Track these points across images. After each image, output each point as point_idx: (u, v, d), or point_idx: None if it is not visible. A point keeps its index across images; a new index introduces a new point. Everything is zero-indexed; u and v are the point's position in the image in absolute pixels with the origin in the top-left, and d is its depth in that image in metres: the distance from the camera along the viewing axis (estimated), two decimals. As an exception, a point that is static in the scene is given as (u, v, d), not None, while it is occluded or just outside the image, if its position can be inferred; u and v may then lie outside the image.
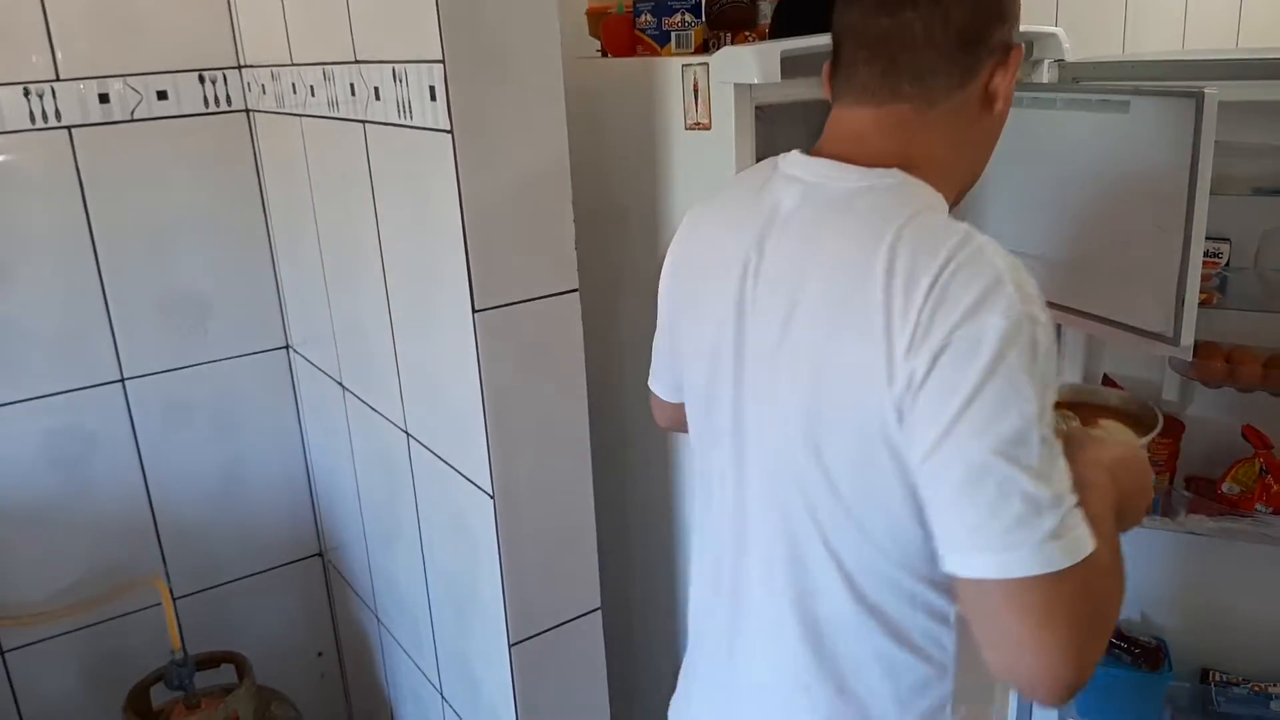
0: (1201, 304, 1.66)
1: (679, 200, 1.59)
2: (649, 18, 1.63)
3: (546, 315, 1.49)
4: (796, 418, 0.89)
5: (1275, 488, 1.67)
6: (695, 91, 1.48)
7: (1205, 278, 1.68)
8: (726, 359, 0.99)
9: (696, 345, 1.05)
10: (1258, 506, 1.69)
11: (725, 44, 1.64)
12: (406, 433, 1.75)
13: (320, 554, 2.43)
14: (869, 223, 0.86)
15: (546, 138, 1.42)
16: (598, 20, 1.76)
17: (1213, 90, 1.26)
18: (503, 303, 1.44)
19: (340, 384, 2.02)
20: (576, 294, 1.51)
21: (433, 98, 1.35)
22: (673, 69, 1.52)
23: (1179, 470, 1.80)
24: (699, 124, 1.48)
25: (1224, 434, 1.78)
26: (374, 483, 1.99)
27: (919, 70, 0.90)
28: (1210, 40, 3.08)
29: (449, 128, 1.34)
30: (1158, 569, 1.88)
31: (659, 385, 1.25)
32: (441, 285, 1.48)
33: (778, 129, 1.54)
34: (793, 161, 0.97)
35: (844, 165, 0.92)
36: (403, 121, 1.45)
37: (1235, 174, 1.58)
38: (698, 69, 1.46)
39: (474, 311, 1.42)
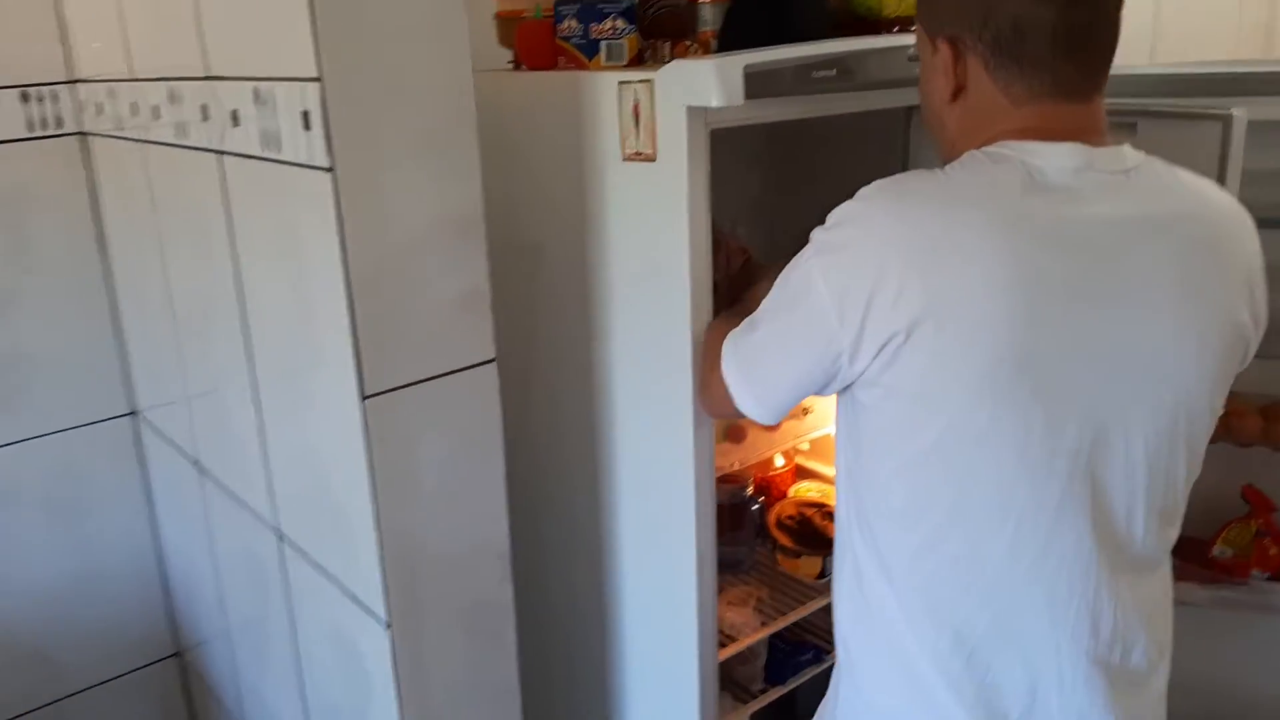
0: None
1: (615, 244, 1.31)
2: (573, 24, 1.35)
3: (456, 394, 1.19)
4: None
5: (1273, 551, 1.50)
6: (636, 115, 1.21)
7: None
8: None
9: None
10: (1254, 572, 1.52)
11: (664, 55, 1.38)
12: (278, 532, 1.42)
13: (178, 653, 2.05)
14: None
15: (455, 176, 1.13)
16: (510, 26, 1.47)
17: (1241, 112, 1.06)
18: (399, 384, 1.14)
19: (195, 463, 1.66)
20: (493, 365, 1.22)
21: (306, 125, 1.04)
22: (605, 86, 1.25)
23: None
24: (641, 154, 1.21)
25: (1215, 491, 1.61)
26: (239, 586, 1.64)
27: (1108, 65, 0.97)
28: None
29: (328, 164, 1.03)
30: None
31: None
32: (321, 363, 1.17)
33: (729, 157, 1.28)
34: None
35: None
36: (268, 154, 1.14)
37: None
38: (639, 87, 1.19)
39: (362, 398, 1.11)
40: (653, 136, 1.19)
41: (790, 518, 1.79)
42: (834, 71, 1.18)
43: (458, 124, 1.12)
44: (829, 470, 1.95)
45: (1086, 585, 0.96)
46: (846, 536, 1.06)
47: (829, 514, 1.79)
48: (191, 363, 1.59)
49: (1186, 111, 1.09)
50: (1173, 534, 1.03)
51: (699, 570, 1.33)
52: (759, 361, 1.04)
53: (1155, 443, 0.95)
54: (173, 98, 1.37)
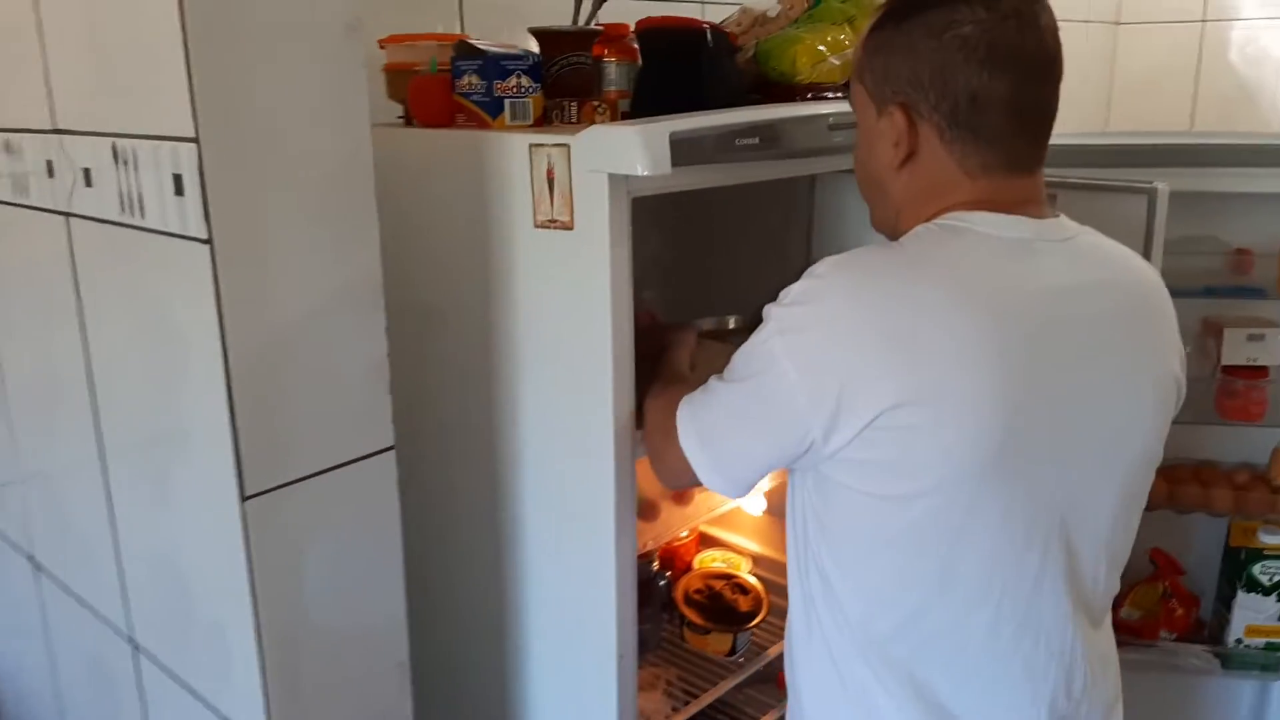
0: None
1: (525, 315, 1.21)
2: (474, 80, 1.25)
3: (351, 488, 1.06)
4: None
5: (1179, 612, 1.53)
6: (550, 180, 1.12)
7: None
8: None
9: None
10: (1162, 633, 1.54)
11: (570, 116, 1.30)
12: (132, 642, 1.24)
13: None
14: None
15: (351, 246, 1.01)
16: (401, 79, 1.36)
17: (1164, 185, 1.07)
18: (286, 480, 1.00)
19: (30, 558, 1.45)
20: (392, 454, 1.10)
21: (179, 190, 0.91)
22: (514, 149, 1.16)
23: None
24: (556, 222, 1.12)
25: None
26: (83, 700, 1.44)
27: (1049, 137, 0.97)
28: (1076, 124, 3.14)
29: (205, 235, 0.90)
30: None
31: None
32: (191, 457, 1.02)
33: (646, 226, 1.21)
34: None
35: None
36: (130, 220, 0.99)
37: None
38: (554, 151, 1.10)
39: (243, 499, 0.97)
40: (569, 204, 1.10)
41: (698, 591, 1.71)
42: (757, 139, 1.12)
43: (354, 188, 1.01)
44: (734, 538, 1.88)
45: (1063, 647, 0.97)
46: (811, 615, 1.02)
47: (738, 586, 1.73)
48: (28, 447, 1.39)
49: (1112, 185, 1.09)
50: (1118, 581, 1.06)
51: (619, 672, 1.23)
52: (721, 436, 1.00)
53: (1122, 499, 0.97)
54: (9, 149, 1.19)
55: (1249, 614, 1.50)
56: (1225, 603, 1.54)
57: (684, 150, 1.05)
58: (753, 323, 1.00)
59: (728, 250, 1.71)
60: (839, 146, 1.20)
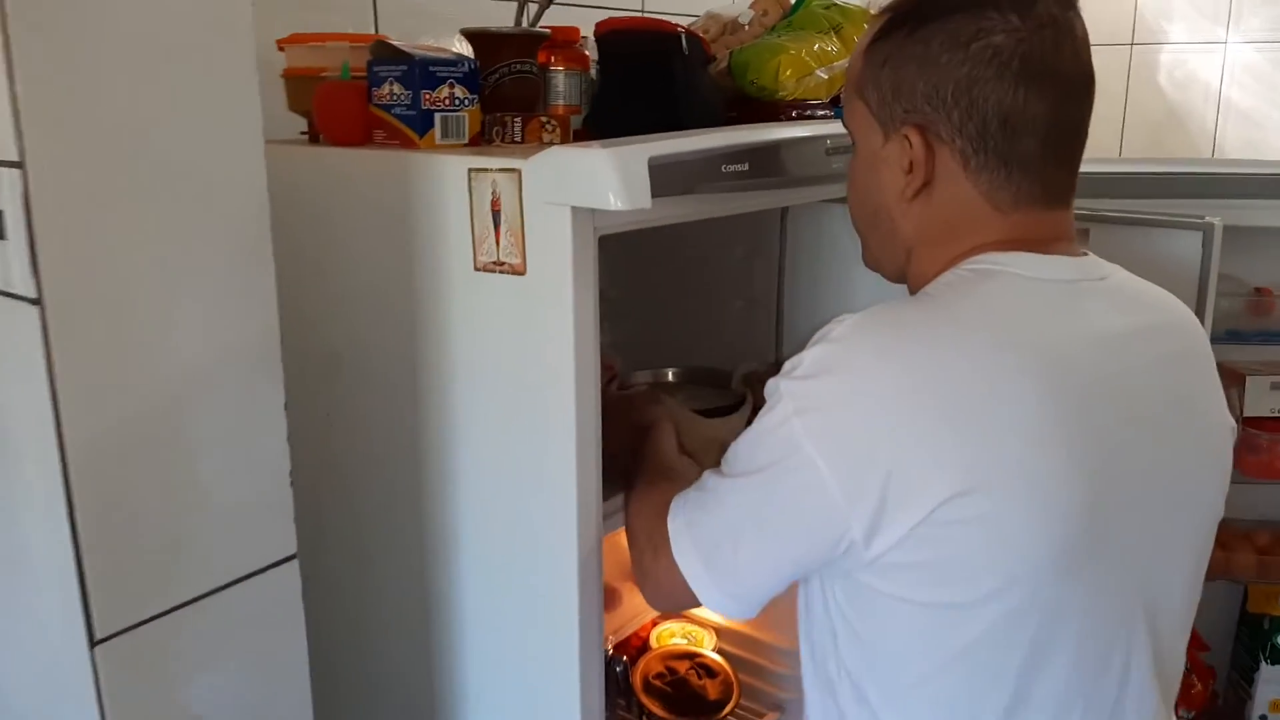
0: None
1: (462, 377, 0.99)
2: (396, 89, 1.03)
3: (240, 612, 0.83)
4: None
5: (1197, 687, 1.38)
6: (496, 214, 0.90)
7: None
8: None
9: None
10: (1180, 712, 1.39)
11: (512, 133, 1.09)
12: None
13: None
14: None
15: (239, 304, 0.78)
16: (306, 88, 1.12)
17: (1219, 220, 0.93)
18: (152, 614, 0.76)
19: None
20: (294, 564, 0.86)
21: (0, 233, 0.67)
22: (448, 174, 0.94)
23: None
24: (503, 264, 0.91)
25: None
26: None
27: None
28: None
29: (35, 294, 0.66)
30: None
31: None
32: (20, 592, 0.77)
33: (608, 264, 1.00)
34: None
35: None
36: (-70, 272, 0.74)
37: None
38: (500, 178, 0.89)
39: (92, 644, 0.73)
40: (520, 243, 0.89)
41: (659, 676, 1.50)
42: (746, 166, 0.93)
43: (241, 226, 0.77)
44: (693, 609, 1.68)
45: None
46: None
47: (704, 668, 1.52)
48: None
49: (1160, 219, 0.94)
50: None
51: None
52: (728, 547, 0.81)
53: (1195, 564, 0.86)
54: None
55: (1274, 688, 1.36)
56: (1245, 675, 1.41)
57: (664, 178, 0.84)
58: (695, 375, 0.84)
59: (683, 287, 1.51)
60: (838, 174, 1.01)
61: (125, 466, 0.72)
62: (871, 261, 0.93)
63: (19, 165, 0.65)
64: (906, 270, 0.88)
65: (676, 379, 1.42)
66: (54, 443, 0.69)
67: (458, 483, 1.03)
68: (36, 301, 0.66)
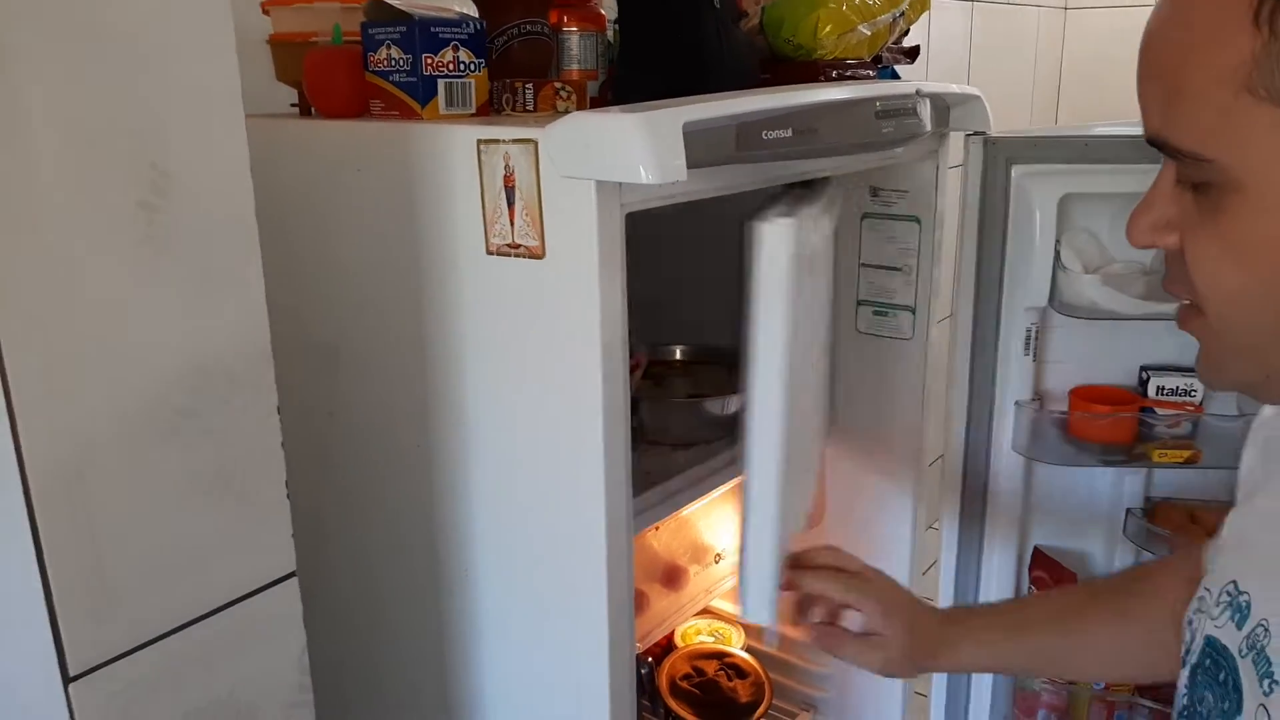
0: (1184, 461, 1.25)
1: (474, 372, 0.90)
2: (395, 53, 0.93)
3: (236, 636, 0.74)
4: None
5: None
6: (509, 190, 0.80)
7: (1174, 423, 1.26)
8: None
9: None
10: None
11: (523, 101, 0.99)
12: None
13: None
14: None
15: (221, 295, 0.68)
16: (293, 55, 1.02)
17: None
18: (132, 646, 0.67)
19: None
20: (293, 581, 0.77)
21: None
22: (455, 146, 0.84)
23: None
24: (519, 247, 0.81)
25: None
26: None
27: None
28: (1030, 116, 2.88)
29: (-28, 293, 0.57)
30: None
31: None
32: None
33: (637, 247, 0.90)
34: None
35: None
36: None
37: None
38: (513, 149, 0.79)
39: (66, 681, 0.64)
40: (538, 223, 0.79)
41: (686, 678, 1.42)
42: (789, 132, 0.83)
43: (221, 207, 0.68)
44: (721, 604, 1.59)
45: None
46: None
47: (734, 668, 1.44)
48: None
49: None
50: None
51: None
52: None
53: None
54: None
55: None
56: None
57: (700, 147, 0.74)
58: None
59: (710, 270, 1.41)
60: (888, 140, 0.91)
61: (94, 486, 0.63)
62: (1270, 371, 0.57)
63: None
64: None
65: (684, 357, 1.33)
66: (13, 461, 0.60)
67: (472, 485, 0.94)
68: (-24, 301, 0.57)
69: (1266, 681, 0.57)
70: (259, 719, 0.77)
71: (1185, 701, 0.66)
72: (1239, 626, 0.61)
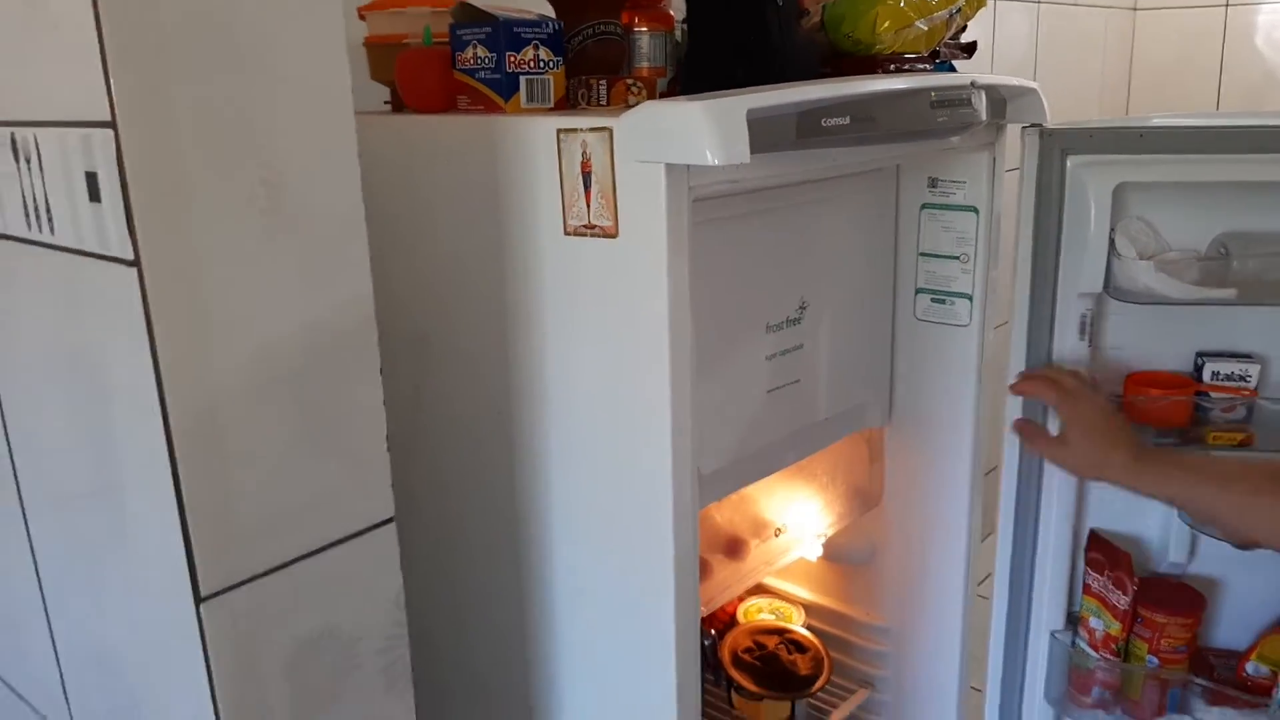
0: (1237, 444, 1.27)
1: (553, 350, 0.97)
2: (481, 52, 1.01)
3: (341, 572, 0.82)
4: None
5: (1316, 670, 1.30)
6: (586, 175, 0.88)
7: (1228, 408, 1.28)
8: None
9: None
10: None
11: (598, 96, 1.06)
12: (78, 754, 1.00)
13: None
14: None
15: (332, 268, 0.77)
16: (387, 56, 1.11)
17: None
18: (255, 573, 0.76)
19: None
20: (392, 526, 0.85)
21: (94, 194, 0.66)
22: (536, 136, 0.92)
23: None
24: (595, 228, 0.88)
25: (1252, 598, 1.40)
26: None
27: None
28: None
29: (132, 255, 0.66)
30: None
31: None
32: (131, 546, 0.78)
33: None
34: None
35: None
36: (31, 235, 0.75)
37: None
38: (590, 138, 0.86)
39: (198, 601, 0.73)
40: (612, 204, 0.86)
41: (748, 651, 1.48)
42: (847, 119, 0.89)
43: (332, 189, 0.76)
44: (782, 584, 1.65)
45: None
46: None
47: (794, 643, 1.49)
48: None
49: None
50: None
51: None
52: None
53: None
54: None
55: None
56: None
57: (763, 133, 0.81)
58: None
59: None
60: (943, 128, 0.96)
61: (224, 432, 0.72)
62: None
63: (111, 125, 0.64)
64: None
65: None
66: (156, 404, 0.69)
67: (550, 453, 1.02)
68: (134, 263, 0.66)
69: None
70: (361, 649, 0.85)
71: None
72: None
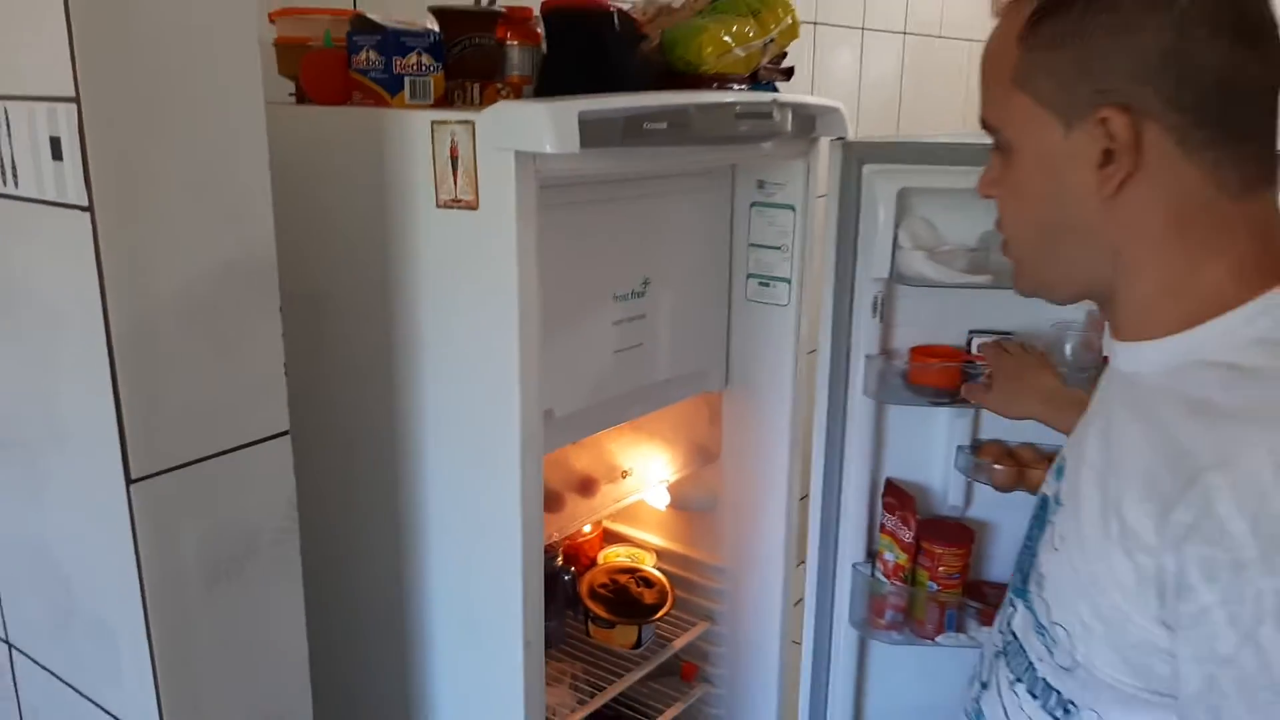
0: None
1: (426, 303, 1.18)
2: (372, 56, 1.22)
3: (244, 473, 1.01)
4: None
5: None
6: (454, 159, 1.09)
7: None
8: None
9: None
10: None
11: (471, 96, 1.28)
12: (5, 641, 1.16)
13: None
14: None
15: (242, 217, 0.97)
16: (293, 55, 1.31)
17: None
18: (176, 464, 0.95)
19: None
20: (287, 439, 1.05)
21: (56, 154, 0.85)
22: (415, 126, 1.13)
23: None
24: (460, 201, 1.10)
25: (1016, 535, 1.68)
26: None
27: None
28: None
29: (86, 202, 0.85)
30: (956, 689, 1.75)
31: None
32: (70, 442, 0.96)
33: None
34: None
35: None
36: (3, 190, 0.93)
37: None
38: (458, 128, 1.08)
39: (129, 482, 0.92)
40: (474, 183, 1.08)
41: (603, 586, 1.70)
42: (665, 124, 1.12)
43: (244, 157, 0.96)
44: (637, 533, 1.88)
45: None
46: None
47: (643, 579, 1.72)
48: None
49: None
50: None
51: (526, 660, 1.21)
52: None
53: None
54: None
55: None
56: None
57: (593, 131, 1.04)
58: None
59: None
60: (745, 135, 1.21)
61: (153, 342, 0.91)
62: (1040, 284, 0.82)
63: (74, 100, 0.83)
64: (1115, 283, 0.77)
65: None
66: (100, 323, 0.87)
67: (427, 394, 1.22)
68: (88, 209, 0.85)
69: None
70: (260, 540, 1.04)
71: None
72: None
